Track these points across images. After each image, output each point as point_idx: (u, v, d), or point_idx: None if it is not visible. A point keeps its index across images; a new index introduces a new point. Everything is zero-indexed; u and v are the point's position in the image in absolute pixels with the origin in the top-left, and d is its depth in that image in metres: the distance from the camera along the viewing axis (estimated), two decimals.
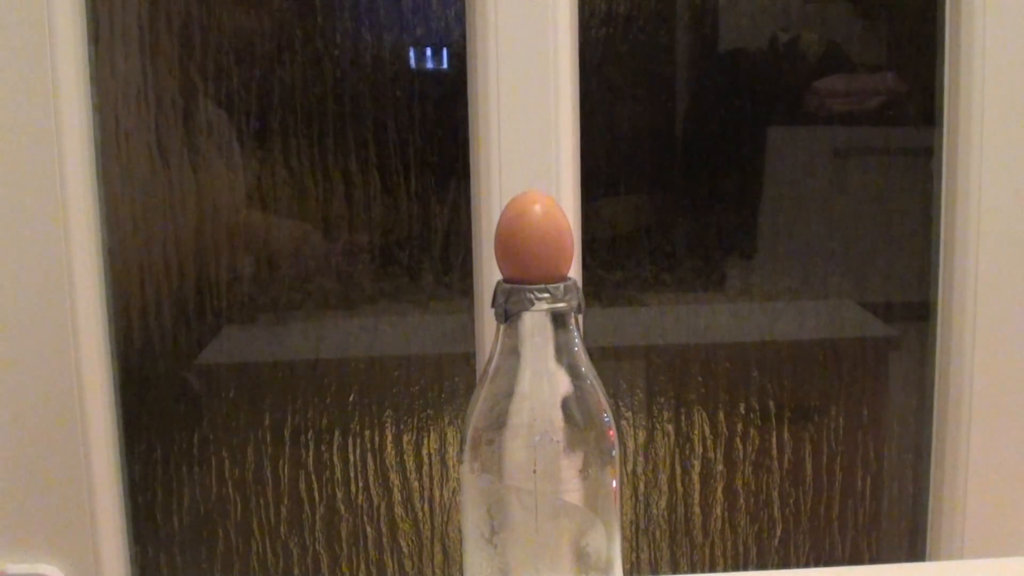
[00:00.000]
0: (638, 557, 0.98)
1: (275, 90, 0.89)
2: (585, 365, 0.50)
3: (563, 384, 0.50)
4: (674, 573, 0.98)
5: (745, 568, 0.99)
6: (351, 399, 0.94)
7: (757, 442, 0.97)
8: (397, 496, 0.95)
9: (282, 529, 0.95)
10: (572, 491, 0.49)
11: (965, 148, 0.88)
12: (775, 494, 0.98)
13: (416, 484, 0.95)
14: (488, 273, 0.87)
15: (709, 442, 0.97)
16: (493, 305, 0.50)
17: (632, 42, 0.91)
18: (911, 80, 0.95)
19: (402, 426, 0.94)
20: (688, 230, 0.95)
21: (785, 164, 0.95)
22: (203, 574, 0.95)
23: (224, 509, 0.94)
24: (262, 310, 0.92)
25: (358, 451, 0.94)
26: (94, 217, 0.85)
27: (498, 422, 0.50)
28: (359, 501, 0.95)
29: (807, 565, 0.99)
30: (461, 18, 0.87)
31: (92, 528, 0.86)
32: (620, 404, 0.96)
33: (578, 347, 0.50)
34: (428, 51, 0.90)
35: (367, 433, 0.94)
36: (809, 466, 0.98)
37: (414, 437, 0.94)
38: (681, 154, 0.95)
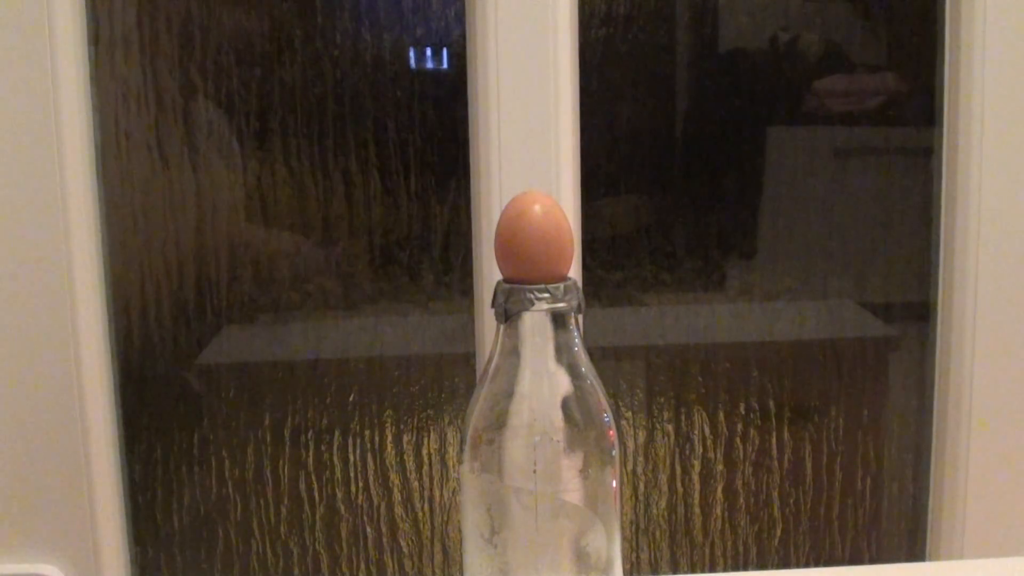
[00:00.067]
0: (638, 557, 0.98)
1: (275, 90, 0.89)
2: (585, 365, 0.50)
3: (563, 384, 0.50)
4: (674, 573, 0.98)
5: (745, 568, 0.99)
6: (351, 399, 0.94)
7: (757, 442, 0.97)
8: (397, 496, 0.95)
9: (282, 529, 0.95)
10: (572, 491, 0.49)
11: (965, 148, 0.88)
12: (775, 494, 0.98)
13: (416, 484, 0.95)
14: (488, 273, 0.87)
15: (709, 442, 0.97)
16: (493, 305, 0.50)
17: (632, 42, 0.91)
18: (911, 80, 0.95)
19: (402, 426, 0.94)
20: (688, 230, 0.95)
21: (785, 164, 0.95)
22: (203, 574, 0.95)
23: (224, 509, 0.94)
24: (262, 310, 0.92)
25: (358, 451, 0.94)
26: (94, 217, 0.85)
27: (498, 422, 0.50)
28: (359, 501, 0.95)
29: (807, 565, 0.99)
30: (461, 18, 0.87)
31: (92, 528, 0.86)
32: (620, 404, 0.96)
33: (578, 347, 0.50)
34: (428, 51, 0.90)
35: (367, 433, 0.94)
36: (809, 466, 0.98)
37: (414, 437, 0.95)
38: (681, 154, 0.95)
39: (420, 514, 0.96)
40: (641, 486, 0.97)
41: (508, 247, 0.49)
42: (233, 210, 0.91)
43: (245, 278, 0.92)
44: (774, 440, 0.97)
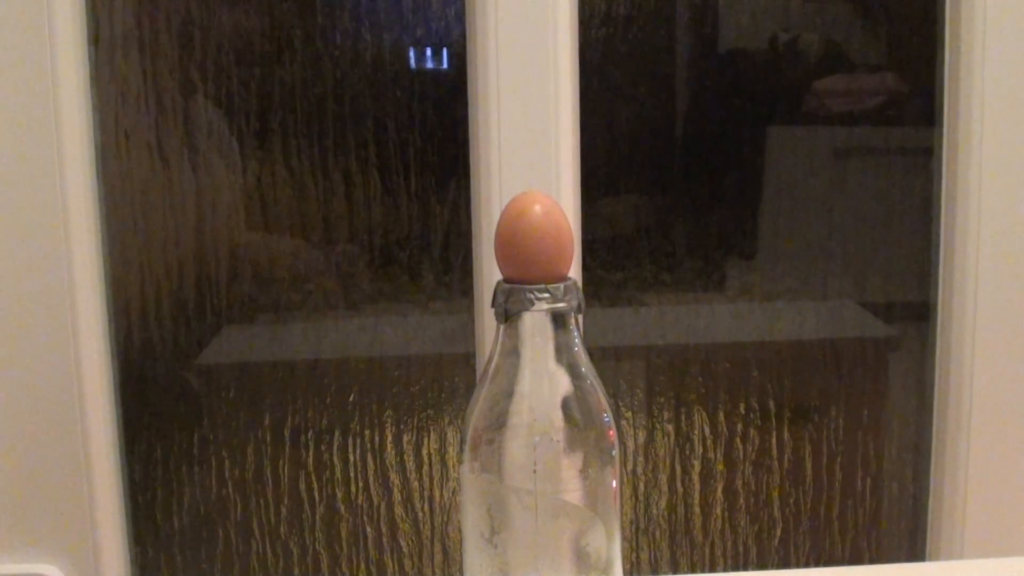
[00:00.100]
0: (638, 557, 0.98)
1: (275, 90, 0.89)
2: (585, 365, 0.50)
3: (563, 384, 0.50)
4: (674, 573, 0.98)
5: (745, 568, 0.99)
6: (351, 399, 0.94)
7: (757, 442, 0.97)
8: (397, 496, 0.95)
9: (282, 529, 0.95)
10: (572, 491, 0.49)
11: (965, 148, 0.88)
12: (775, 494, 0.98)
13: (416, 484, 0.95)
14: (488, 273, 0.87)
15: (709, 442, 0.97)
16: (493, 305, 0.50)
17: (632, 42, 0.91)
18: (911, 80, 0.95)
19: (402, 426, 0.94)
20: (688, 230, 0.95)
21: (785, 164, 0.95)
22: (203, 574, 0.95)
23: (224, 509, 0.94)
24: (262, 310, 0.92)
25: (358, 451, 0.94)
26: (94, 217, 0.85)
27: (498, 422, 0.50)
28: (359, 501, 0.95)
29: (807, 565, 0.99)
30: (461, 18, 0.87)
31: (92, 528, 0.86)
32: (620, 404, 0.96)
33: (578, 347, 0.50)
34: (428, 51, 0.90)
35: (367, 433, 0.94)
36: (809, 466, 0.98)
37: (414, 437, 0.94)
38: (681, 154, 0.95)
39: (420, 514, 0.96)
40: (641, 486, 0.97)
41: (508, 247, 0.49)
42: (233, 210, 0.91)
43: (245, 278, 0.92)
44: (774, 440, 0.97)
